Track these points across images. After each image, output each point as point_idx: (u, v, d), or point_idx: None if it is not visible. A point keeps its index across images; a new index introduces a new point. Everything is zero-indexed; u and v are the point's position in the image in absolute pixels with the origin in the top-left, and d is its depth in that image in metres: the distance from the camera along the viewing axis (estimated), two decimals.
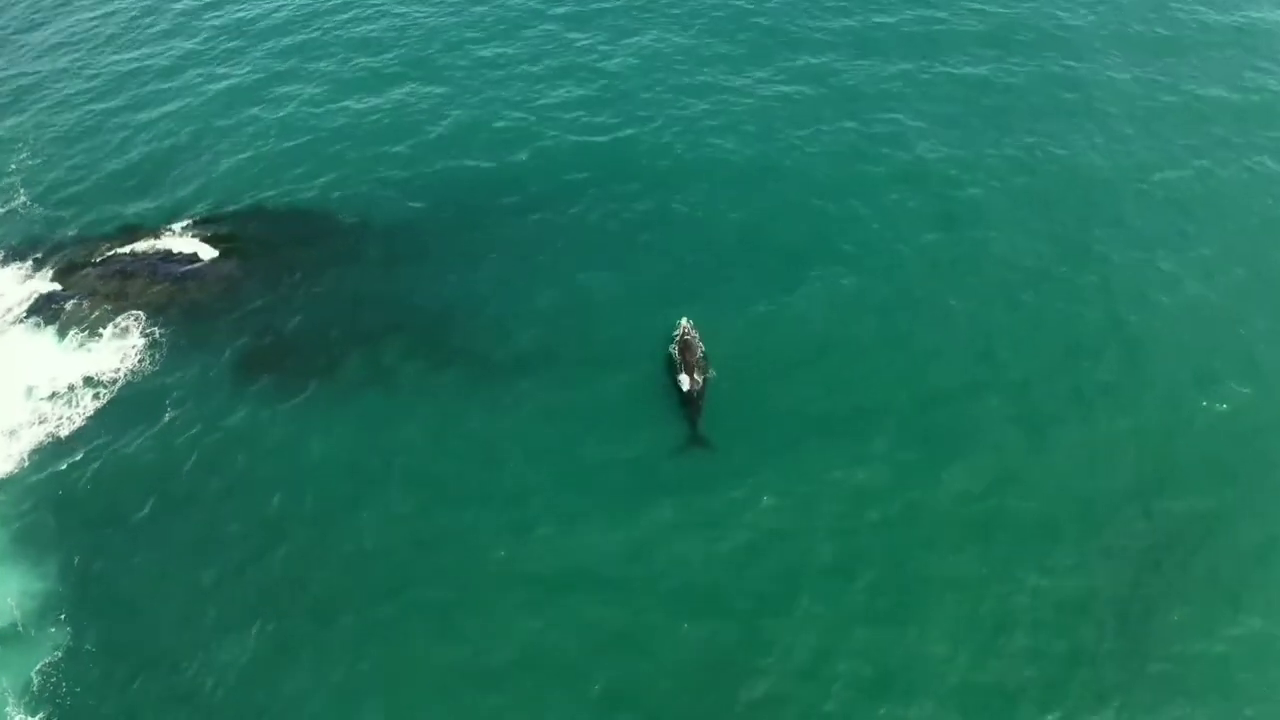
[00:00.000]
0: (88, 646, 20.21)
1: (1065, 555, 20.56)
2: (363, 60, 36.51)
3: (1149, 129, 31.15)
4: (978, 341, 24.75)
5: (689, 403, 23.46)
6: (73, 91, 36.57)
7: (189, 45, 38.65)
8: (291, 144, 32.56)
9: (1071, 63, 34.09)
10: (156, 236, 29.21)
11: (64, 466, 23.27)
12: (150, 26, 40.17)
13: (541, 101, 33.45)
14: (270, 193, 30.76)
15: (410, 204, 29.91)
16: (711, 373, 23.96)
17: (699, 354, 24.29)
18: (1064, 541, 20.80)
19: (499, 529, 21.52)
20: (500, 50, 36.27)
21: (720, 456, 22.56)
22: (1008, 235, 27.55)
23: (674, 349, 24.55)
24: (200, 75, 36.78)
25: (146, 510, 22.50)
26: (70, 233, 30.08)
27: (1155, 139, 30.76)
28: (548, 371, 24.71)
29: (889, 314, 25.54)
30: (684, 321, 25.21)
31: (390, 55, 36.63)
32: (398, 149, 31.88)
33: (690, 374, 23.81)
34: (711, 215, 28.71)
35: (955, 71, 33.93)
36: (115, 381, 25.23)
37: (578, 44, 36.25)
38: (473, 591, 20.61)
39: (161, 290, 27.44)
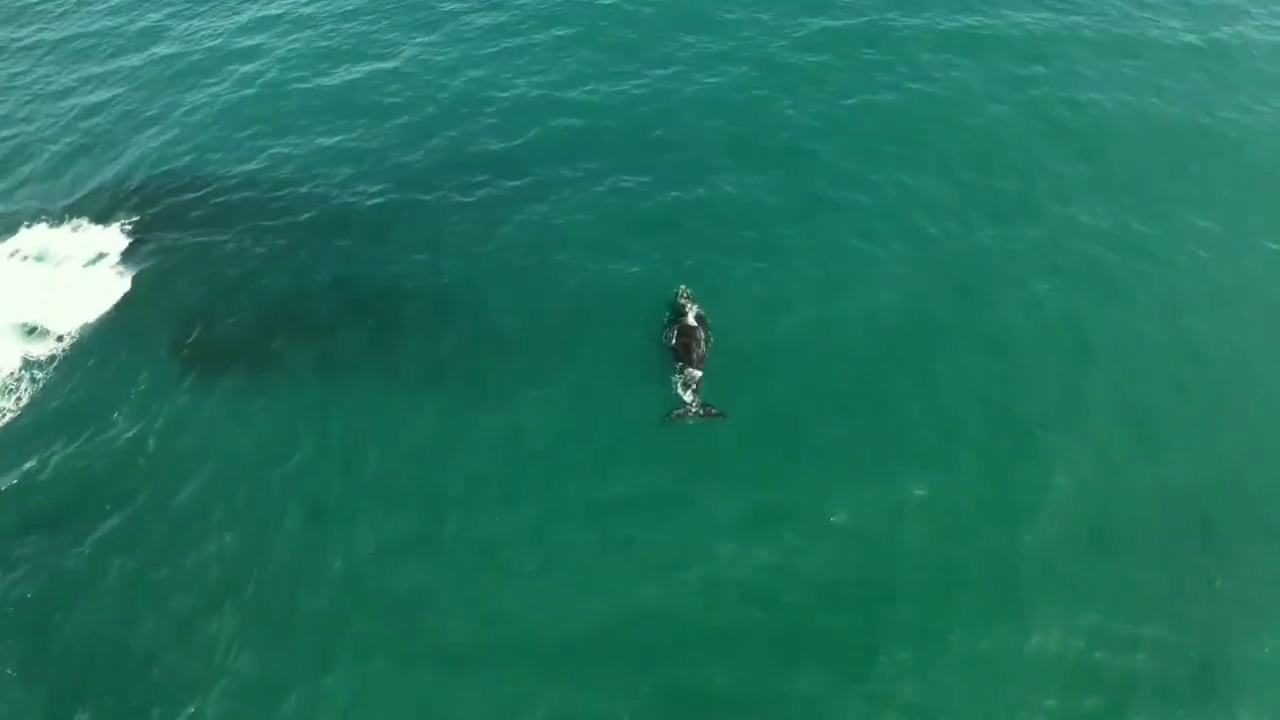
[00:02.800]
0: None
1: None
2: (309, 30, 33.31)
3: None
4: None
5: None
6: None
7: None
8: (227, 122, 29.21)
9: None
10: (70, 228, 25.96)
11: None
12: None
13: (510, 75, 29.98)
14: (206, 172, 27.36)
15: (365, 185, 26.43)
16: (718, 411, 19.68)
17: (702, 339, 20.43)
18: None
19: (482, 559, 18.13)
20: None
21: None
22: None
23: (671, 335, 20.58)
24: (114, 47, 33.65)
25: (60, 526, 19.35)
26: None
27: None
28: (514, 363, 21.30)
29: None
30: (681, 291, 21.55)
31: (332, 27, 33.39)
32: (350, 124, 28.44)
33: (691, 367, 19.94)
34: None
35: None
36: (20, 394, 21.93)
37: None
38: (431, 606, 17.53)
39: (77, 288, 24.11)
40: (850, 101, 27.14)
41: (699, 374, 19.94)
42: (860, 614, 16.87)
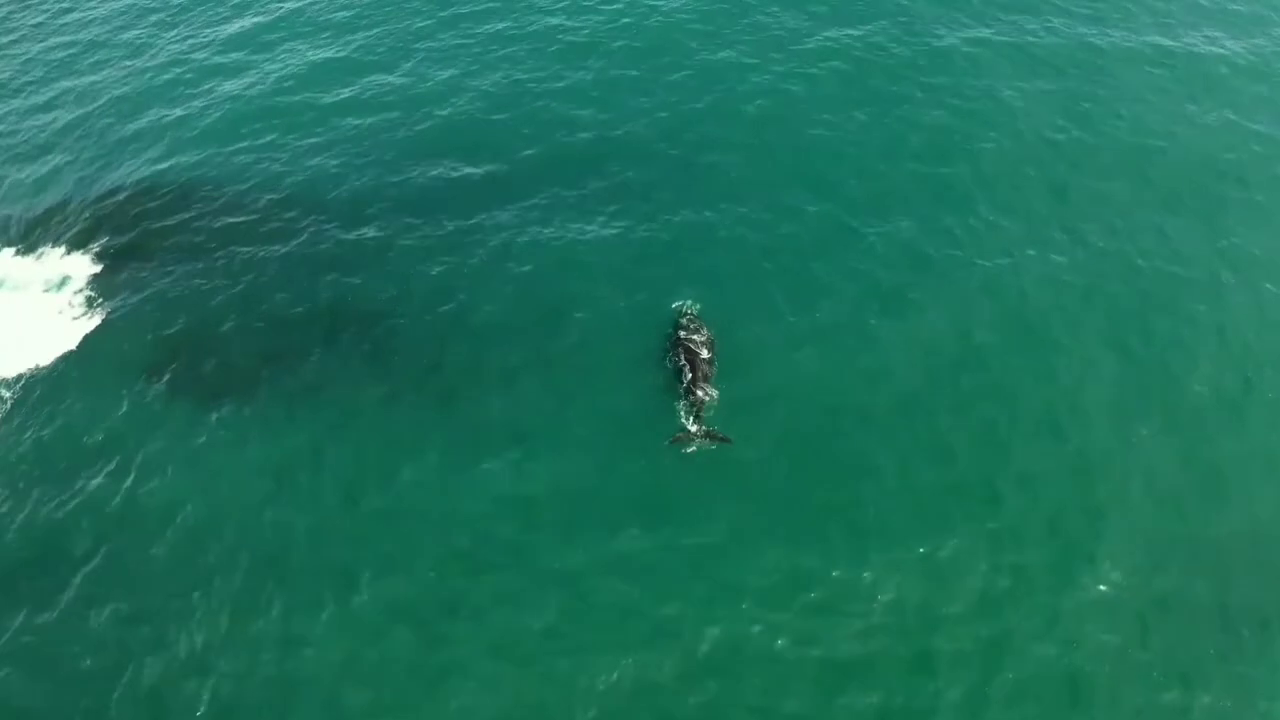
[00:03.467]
0: None
1: None
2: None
3: None
4: None
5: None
6: None
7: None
8: (208, 140, 27.46)
9: None
10: (35, 256, 24.22)
11: None
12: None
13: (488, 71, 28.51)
14: (185, 192, 25.68)
15: (356, 207, 24.72)
16: (723, 436, 18.41)
17: (706, 358, 19.30)
18: None
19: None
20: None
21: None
22: None
23: (677, 356, 19.41)
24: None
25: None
26: None
27: None
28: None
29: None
30: (686, 309, 20.42)
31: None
32: (340, 144, 26.64)
33: (696, 391, 18.73)
34: None
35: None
36: None
37: None
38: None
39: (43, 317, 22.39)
40: (869, 119, 25.43)
41: (704, 396, 18.73)
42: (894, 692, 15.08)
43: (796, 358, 19.75)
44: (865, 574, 16.37)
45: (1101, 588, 16.18)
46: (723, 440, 18.17)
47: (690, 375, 18.97)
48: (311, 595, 16.95)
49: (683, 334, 19.76)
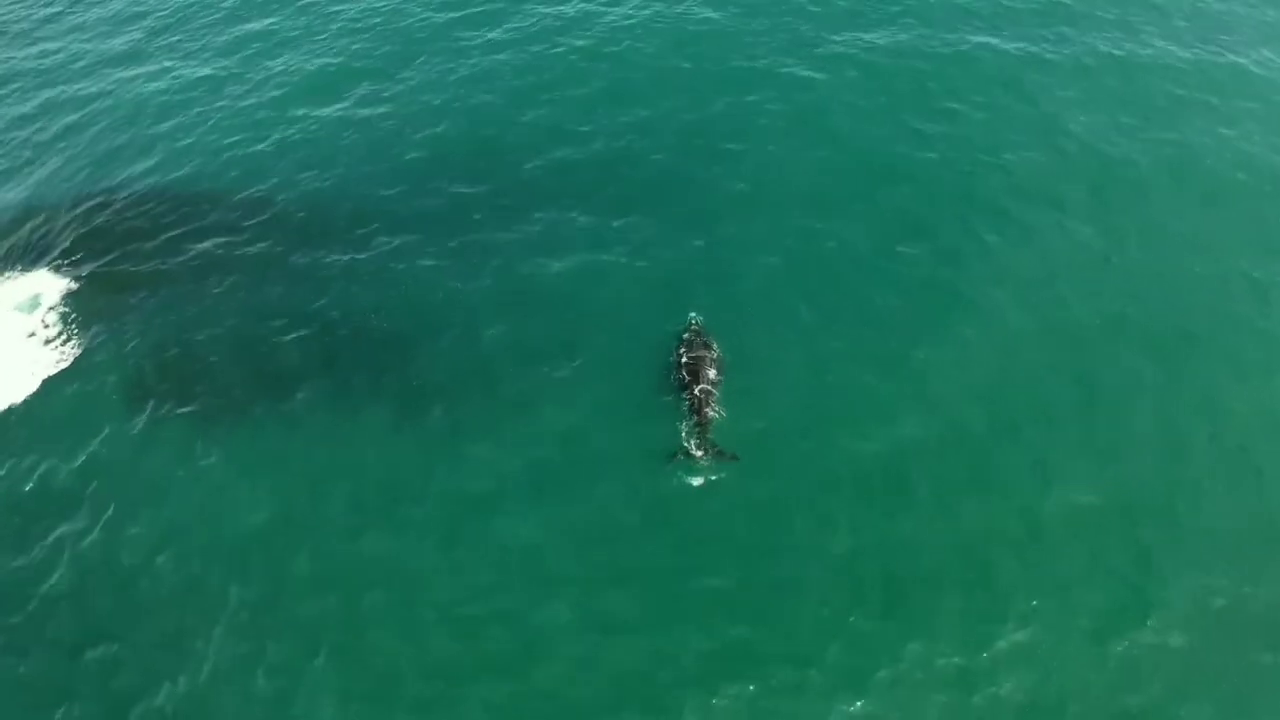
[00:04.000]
0: None
1: None
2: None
3: None
4: None
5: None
6: None
7: None
8: (189, 153, 26.34)
9: None
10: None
11: None
12: None
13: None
14: (161, 206, 24.52)
15: (343, 221, 23.53)
16: (730, 454, 17.43)
17: (713, 377, 18.41)
18: None
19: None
20: None
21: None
22: None
23: (682, 374, 18.49)
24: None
25: None
26: None
27: None
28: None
29: None
30: (693, 322, 19.55)
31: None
32: (326, 155, 25.51)
33: (702, 409, 17.80)
34: None
35: None
36: None
37: None
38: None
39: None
40: (889, 137, 24.42)
41: (710, 413, 17.84)
42: None
43: (813, 379, 18.73)
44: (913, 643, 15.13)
45: None
46: (731, 459, 17.22)
47: (695, 393, 18.07)
48: (307, 644, 15.72)
49: (688, 351, 18.84)
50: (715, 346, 19.03)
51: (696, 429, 17.54)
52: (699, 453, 17.25)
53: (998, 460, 17.34)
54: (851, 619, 15.26)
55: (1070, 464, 17.21)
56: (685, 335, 19.25)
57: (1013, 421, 17.91)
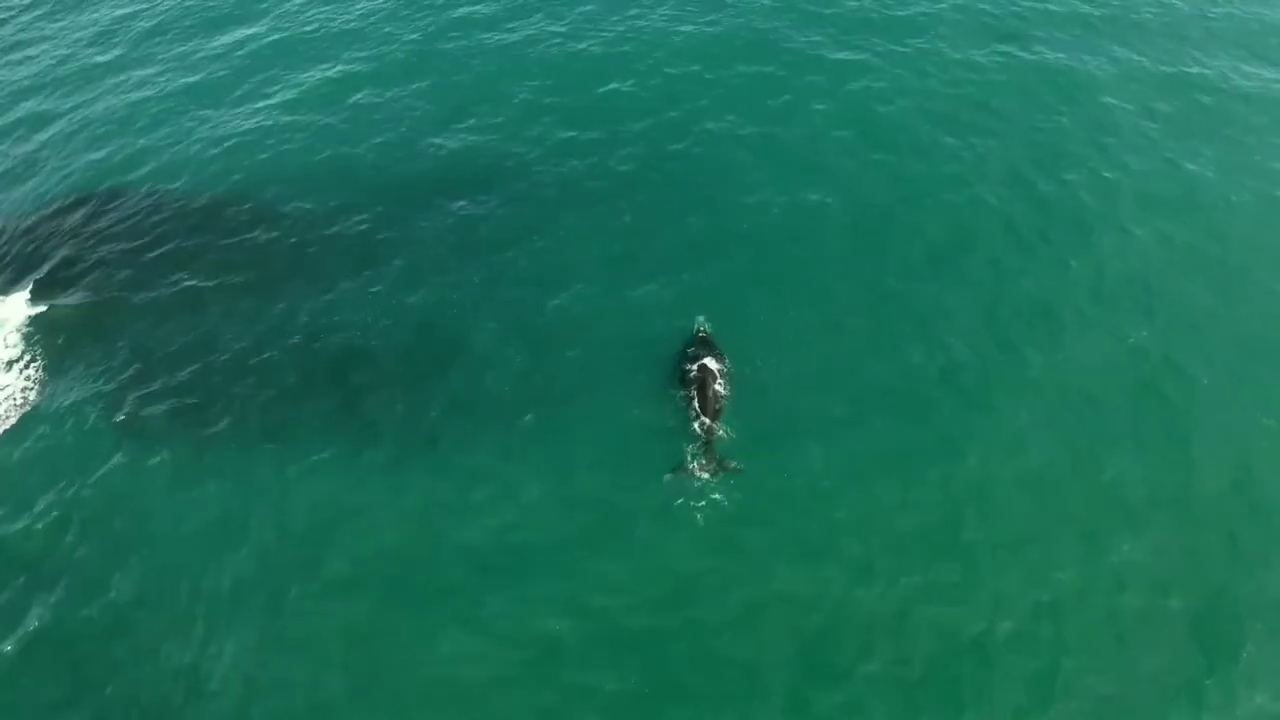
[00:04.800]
0: None
1: None
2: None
3: None
4: None
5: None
6: None
7: None
8: (175, 161, 25.51)
9: None
10: None
11: None
12: None
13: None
14: (145, 213, 23.82)
15: (334, 226, 22.70)
16: (735, 465, 16.71)
17: (718, 387, 17.61)
18: None
19: None
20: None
21: None
22: None
23: (690, 389, 17.68)
24: None
25: None
26: None
27: None
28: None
29: None
30: (700, 326, 18.89)
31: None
32: (317, 163, 24.67)
33: (706, 420, 17.16)
34: None
35: None
36: None
37: None
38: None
39: None
40: (910, 147, 23.27)
41: (716, 425, 17.14)
42: None
43: (820, 396, 17.83)
44: None
45: None
46: (735, 469, 16.53)
47: (700, 404, 17.31)
48: (283, 676, 15.00)
49: (693, 362, 17.94)
50: (724, 356, 18.20)
51: (703, 448, 16.85)
52: (704, 474, 16.53)
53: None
54: None
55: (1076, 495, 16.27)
56: (690, 350, 18.38)
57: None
